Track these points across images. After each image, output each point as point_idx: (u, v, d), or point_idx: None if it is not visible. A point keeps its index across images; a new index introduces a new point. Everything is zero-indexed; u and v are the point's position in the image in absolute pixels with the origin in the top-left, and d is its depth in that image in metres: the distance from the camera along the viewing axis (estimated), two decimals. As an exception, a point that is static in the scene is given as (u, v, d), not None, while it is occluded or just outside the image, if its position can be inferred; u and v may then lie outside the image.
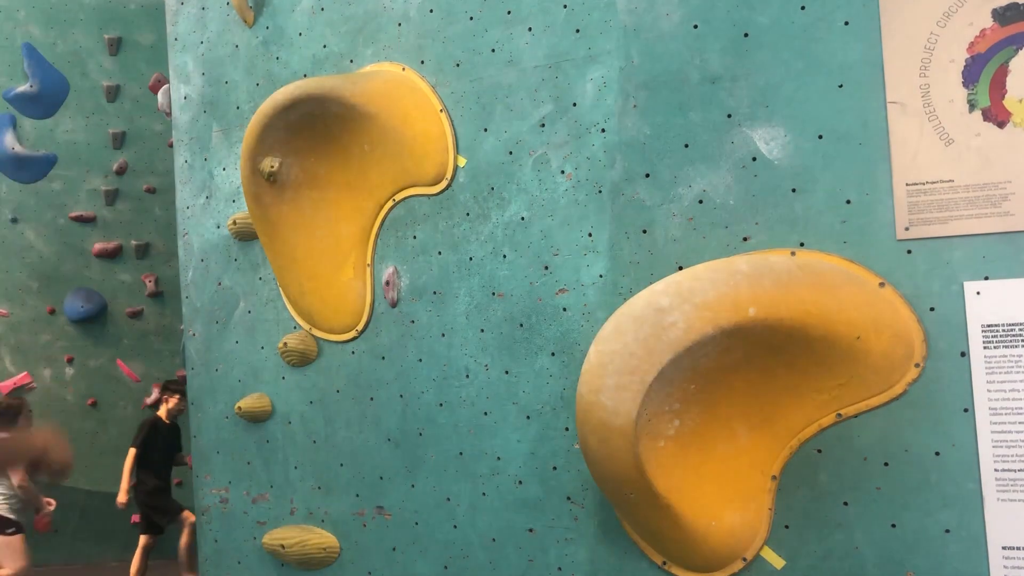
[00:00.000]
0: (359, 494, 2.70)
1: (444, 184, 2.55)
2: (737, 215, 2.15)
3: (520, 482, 2.42)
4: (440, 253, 2.56)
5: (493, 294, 2.46)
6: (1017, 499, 1.89)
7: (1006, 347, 1.90)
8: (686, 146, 2.20)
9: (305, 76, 2.81)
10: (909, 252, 1.99)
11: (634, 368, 1.96)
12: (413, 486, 2.60)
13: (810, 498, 2.07)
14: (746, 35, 2.14)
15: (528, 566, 2.42)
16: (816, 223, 2.06)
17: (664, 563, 2.22)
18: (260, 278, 2.87)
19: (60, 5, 5.59)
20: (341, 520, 2.72)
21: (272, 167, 2.60)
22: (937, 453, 1.96)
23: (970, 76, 1.94)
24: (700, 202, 2.19)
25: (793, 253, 2.07)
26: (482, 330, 2.48)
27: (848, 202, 2.04)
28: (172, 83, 3.05)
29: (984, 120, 1.93)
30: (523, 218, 2.42)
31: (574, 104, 2.35)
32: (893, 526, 1.99)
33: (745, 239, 2.14)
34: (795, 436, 2.07)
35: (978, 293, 1.93)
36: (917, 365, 1.97)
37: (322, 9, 2.73)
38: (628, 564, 2.27)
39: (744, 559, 2.12)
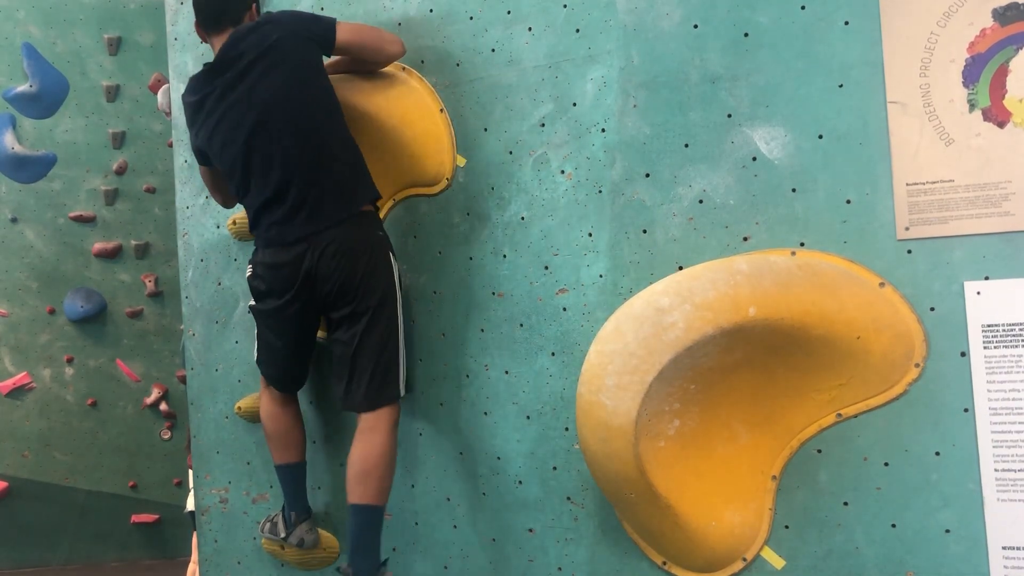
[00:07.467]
0: (359, 494, 2.69)
1: (444, 184, 2.55)
2: (737, 215, 2.15)
3: (520, 482, 2.42)
4: (440, 253, 2.56)
5: (493, 294, 2.46)
6: (1017, 499, 1.89)
7: (1006, 347, 1.90)
8: (686, 146, 2.20)
9: (305, 76, 2.80)
10: (909, 252, 1.99)
11: (634, 368, 1.96)
12: (413, 486, 2.60)
13: (810, 498, 2.07)
14: (746, 35, 2.14)
15: (528, 566, 2.42)
16: (816, 223, 2.06)
17: (664, 563, 2.22)
18: (260, 278, 2.87)
19: (60, 5, 5.58)
20: (341, 520, 2.72)
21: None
22: (937, 453, 1.96)
23: (970, 76, 1.94)
24: (700, 202, 2.19)
25: (793, 253, 2.07)
26: (482, 330, 2.48)
27: (848, 202, 2.04)
28: (172, 83, 3.05)
29: (984, 120, 1.93)
30: (523, 218, 2.42)
31: (574, 104, 2.35)
32: (893, 526, 1.99)
33: (745, 239, 2.14)
34: (795, 436, 2.07)
35: (978, 293, 1.93)
36: (917, 365, 1.97)
37: (322, 9, 2.73)
38: (628, 564, 2.27)
39: (744, 559, 2.12)
